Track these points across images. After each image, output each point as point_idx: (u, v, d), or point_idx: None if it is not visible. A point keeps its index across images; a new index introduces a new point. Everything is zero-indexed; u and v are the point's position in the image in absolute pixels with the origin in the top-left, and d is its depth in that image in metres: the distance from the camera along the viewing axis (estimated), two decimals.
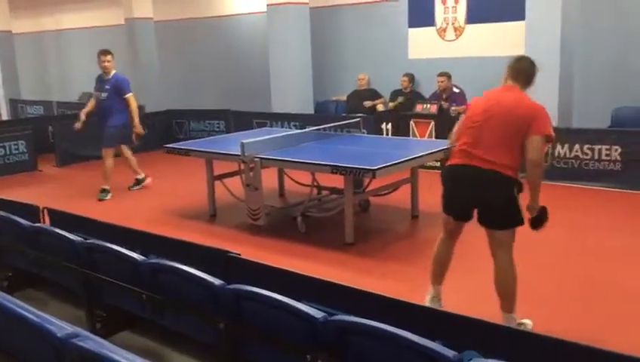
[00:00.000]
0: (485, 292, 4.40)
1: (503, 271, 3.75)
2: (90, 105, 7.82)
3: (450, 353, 2.06)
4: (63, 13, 16.55)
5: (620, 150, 6.86)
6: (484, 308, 4.22)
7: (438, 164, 7.93)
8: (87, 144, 10.08)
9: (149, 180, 7.98)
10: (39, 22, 17.54)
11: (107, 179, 7.53)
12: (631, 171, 6.80)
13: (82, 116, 7.75)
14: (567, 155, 7.20)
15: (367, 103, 9.82)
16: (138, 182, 7.92)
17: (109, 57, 7.44)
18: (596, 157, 7.02)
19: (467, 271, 4.84)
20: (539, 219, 3.74)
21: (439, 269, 4.05)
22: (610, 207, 6.42)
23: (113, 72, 7.54)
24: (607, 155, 6.95)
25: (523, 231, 5.65)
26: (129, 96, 7.47)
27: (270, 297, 2.55)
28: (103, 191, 7.51)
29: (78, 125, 7.82)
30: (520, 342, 2.47)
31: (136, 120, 7.47)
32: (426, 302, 3.99)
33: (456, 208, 3.89)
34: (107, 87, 7.48)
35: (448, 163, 3.93)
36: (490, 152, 3.64)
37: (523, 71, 4.04)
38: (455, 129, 4.03)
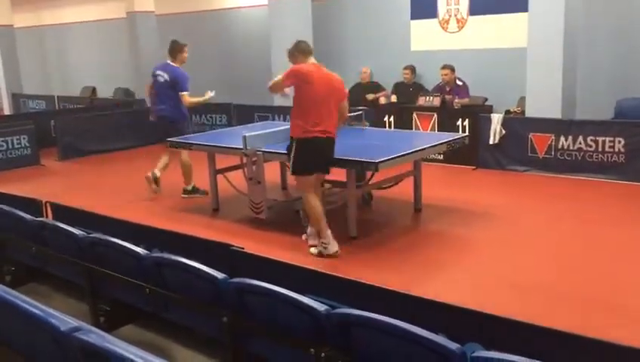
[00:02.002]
0: (484, 285, 4.40)
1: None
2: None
3: (453, 345, 2.06)
4: (64, 7, 16.51)
5: (623, 142, 6.83)
6: (485, 300, 4.23)
7: (442, 156, 7.93)
8: (90, 138, 10.14)
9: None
10: (40, 16, 17.52)
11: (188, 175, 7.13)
12: (634, 163, 6.77)
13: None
14: (571, 147, 7.17)
15: (370, 96, 9.80)
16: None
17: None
18: (600, 148, 6.99)
19: (465, 266, 4.84)
20: None
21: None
22: (614, 198, 6.40)
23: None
24: (610, 147, 6.92)
25: (527, 224, 5.67)
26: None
27: (273, 290, 2.55)
28: (192, 190, 7.13)
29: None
30: (522, 333, 2.47)
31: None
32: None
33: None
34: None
35: None
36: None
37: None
38: None
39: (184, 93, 6.89)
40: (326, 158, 4.95)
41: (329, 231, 4.91)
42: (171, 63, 7.06)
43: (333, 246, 4.91)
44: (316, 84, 4.77)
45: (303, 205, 5.04)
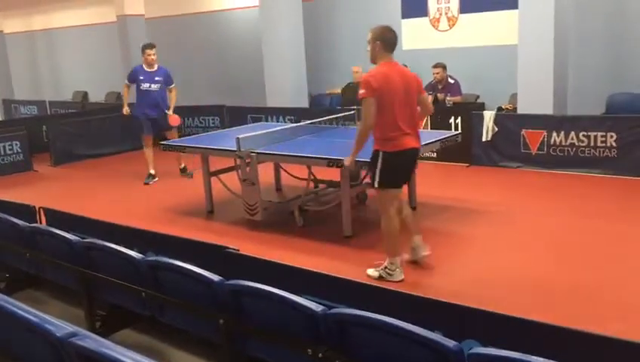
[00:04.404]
0: (480, 282, 4.42)
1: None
2: (126, 95, 8.28)
3: (450, 343, 2.06)
4: (54, 11, 16.46)
5: (615, 136, 6.86)
6: (482, 296, 4.24)
7: (435, 154, 7.94)
8: (82, 143, 10.10)
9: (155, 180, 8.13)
10: (30, 21, 17.45)
11: (179, 160, 8.06)
12: (627, 157, 6.81)
13: (127, 109, 8.15)
14: (563, 143, 7.20)
15: None
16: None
17: (154, 51, 7.86)
18: (592, 144, 7.02)
19: (461, 263, 4.85)
20: None
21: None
22: (607, 193, 6.43)
23: (157, 64, 7.95)
24: (602, 142, 6.95)
25: (521, 220, 5.68)
26: (174, 86, 8.12)
27: (269, 292, 2.55)
28: (183, 170, 8.12)
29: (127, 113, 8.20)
30: (519, 329, 2.48)
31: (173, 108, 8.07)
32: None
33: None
34: (158, 78, 7.92)
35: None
36: None
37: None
38: None
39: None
40: (412, 168, 4.60)
41: (399, 259, 4.42)
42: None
43: (399, 275, 4.36)
44: (396, 87, 4.24)
45: (382, 222, 4.43)
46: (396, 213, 4.44)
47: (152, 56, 7.81)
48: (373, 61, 4.37)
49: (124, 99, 8.26)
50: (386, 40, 4.30)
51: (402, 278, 4.36)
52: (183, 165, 8.12)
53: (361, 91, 4.21)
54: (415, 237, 4.65)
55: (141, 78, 7.84)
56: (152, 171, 8.05)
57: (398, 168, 4.38)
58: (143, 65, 7.92)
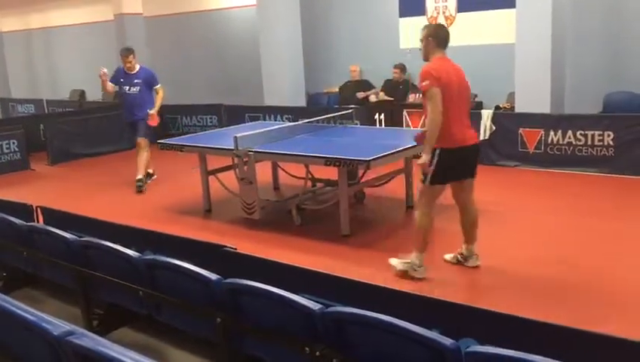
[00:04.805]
0: (478, 280, 4.42)
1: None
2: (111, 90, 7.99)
3: (447, 341, 2.06)
4: (51, 10, 16.40)
5: (612, 135, 6.87)
6: (480, 295, 4.26)
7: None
8: (79, 142, 10.09)
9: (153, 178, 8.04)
10: (27, 20, 17.39)
11: (145, 168, 7.67)
12: (624, 156, 6.82)
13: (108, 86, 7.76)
14: (560, 141, 7.21)
15: (360, 94, 9.80)
16: (149, 175, 7.95)
17: (130, 58, 7.54)
18: (589, 142, 7.03)
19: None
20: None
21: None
22: (604, 191, 6.44)
23: (137, 66, 7.65)
24: (599, 141, 6.96)
25: (519, 219, 5.68)
26: (160, 86, 7.71)
27: (267, 290, 2.55)
28: (140, 180, 7.57)
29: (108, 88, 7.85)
30: (516, 328, 2.48)
31: (158, 108, 7.65)
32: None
33: None
34: (137, 80, 7.58)
35: None
36: None
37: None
38: None
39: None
40: (473, 165, 4.42)
41: (424, 256, 4.39)
42: None
43: (423, 272, 4.33)
44: (453, 82, 4.19)
45: (418, 216, 4.38)
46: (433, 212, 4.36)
47: (128, 64, 7.51)
48: (426, 58, 4.33)
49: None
50: (438, 37, 4.30)
51: (424, 276, 4.32)
52: (139, 176, 7.58)
53: (424, 83, 4.10)
54: (470, 246, 4.55)
55: (121, 80, 7.61)
56: (140, 176, 7.57)
57: (455, 165, 4.25)
58: (124, 67, 7.65)
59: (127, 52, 7.57)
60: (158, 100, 7.63)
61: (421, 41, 4.36)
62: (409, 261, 4.36)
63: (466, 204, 4.47)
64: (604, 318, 3.63)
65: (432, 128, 4.13)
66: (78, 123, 10.42)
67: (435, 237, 5.27)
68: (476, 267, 4.51)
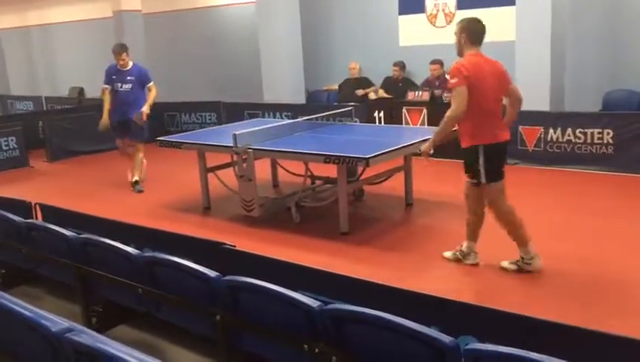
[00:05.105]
0: (477, 278, 4.42)
1: None
2: (107, 100, 7.52)
3: (446, 338, 2.06)
4: (49, 7, 16.36)
5: (612, 133, 6.87)
6: (479, 293, 4.26)
7: (432, 151, 7.92)
8: (78, 139, 10.07)
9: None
10: (26, 16, 17.35)
11: (141, 171, 7.55)
12: (623, 154, 6.82)
13: (106, 118, 7.50)
14: (560, 139, 7.21)
15: (360, 92, 9.80)
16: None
17: (124, 55, 7.38)
18: (588, 140, 7.03)
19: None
20: None
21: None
22: (604, 189, 6.44)
23: (131, 63, 7.48)
24: (599, 139, 6.96)
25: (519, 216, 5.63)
26: (152, 84, 7.49)
27: (266, 288, 2.55)
28: (136, 182, 7.47)
29: (103, 125, 7.58)
30: (516, 326, 2.48)
31: (150, 106, 7.43)
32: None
33: None
34: (130, 78, 7.39)
35: None
36: None
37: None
38: None
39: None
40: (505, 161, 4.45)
41: (531, 245, 4.30)
42: None
43: (538, 260, 4.27)
44: (487, 75, 4.15)
45: (502, 216, 4.33)
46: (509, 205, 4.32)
47: (122, 61, 7.33)
48: (460, 53, 4.29)
49: (105, 105, 7.48)
50: (472, 32, 4.24)
51: (541, 265, 4.27)
52: (135, 178, 7.50)
53: (452, 80, 4.09)
54: (471, 244, 4.57)
55: (114, 77, 7.44)
56: (135, 178, 7.48)
57: (500, 159, 4.29)
58: (117, 65, 7.43)
59: (120, 48, 7.44)
60: (150, 98, 7.42)
61: (455, 35, 4.32)
62: (519, 258, 4.32)
63: (483, 206, 4.44)
64: (607, 317, 3.63)
65: (447, 122, 4.20)
66: (76, 120, 10.40)
67: (432, 234, 5.28)
68: (475, 265, 4.52)
